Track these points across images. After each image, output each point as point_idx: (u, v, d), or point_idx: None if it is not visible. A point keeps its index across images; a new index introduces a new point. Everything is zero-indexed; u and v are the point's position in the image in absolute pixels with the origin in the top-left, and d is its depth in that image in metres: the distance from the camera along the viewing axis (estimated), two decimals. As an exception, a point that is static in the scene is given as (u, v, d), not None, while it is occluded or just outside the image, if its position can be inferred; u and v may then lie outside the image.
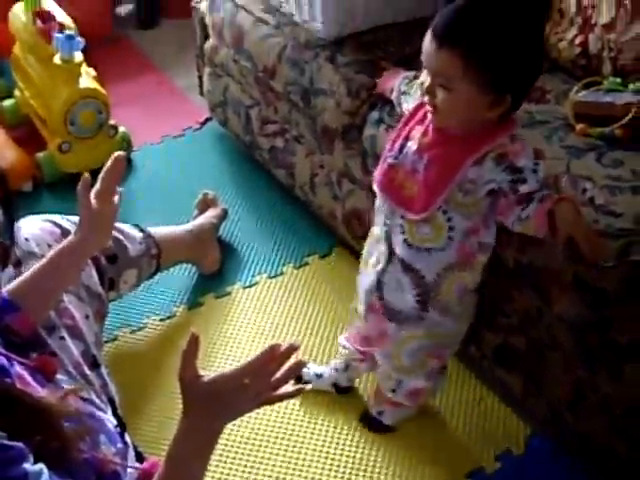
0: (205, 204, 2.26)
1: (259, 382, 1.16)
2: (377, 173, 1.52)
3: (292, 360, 1.17)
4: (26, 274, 1.46)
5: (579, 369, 1.55)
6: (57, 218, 1.72)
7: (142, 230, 1.94)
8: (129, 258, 1.85)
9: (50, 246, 1.61)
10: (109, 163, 1.50)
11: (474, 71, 1.30)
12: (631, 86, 1.66)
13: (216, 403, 1.16)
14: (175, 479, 1.16)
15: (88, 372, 1.52)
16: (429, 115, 1.41)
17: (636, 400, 1.46)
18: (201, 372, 1.15)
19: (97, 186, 1.49)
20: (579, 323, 1.47)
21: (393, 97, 1.66)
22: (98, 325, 1.67)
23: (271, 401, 1.20)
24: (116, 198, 1.51)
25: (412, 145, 1.45)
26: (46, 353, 1.45)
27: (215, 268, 2.17)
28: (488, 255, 1.50)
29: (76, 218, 1.58)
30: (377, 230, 1.56)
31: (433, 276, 1.49)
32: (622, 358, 1.45)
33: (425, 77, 1.37)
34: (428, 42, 1.34)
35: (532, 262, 1.48)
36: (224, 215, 2.26)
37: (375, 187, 1.52)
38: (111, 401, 1.54)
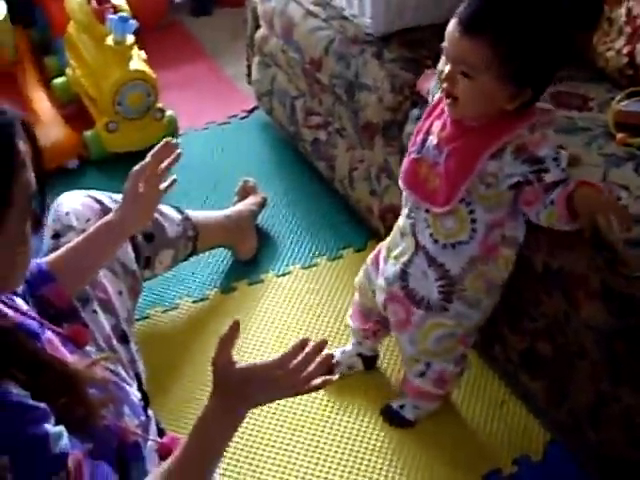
0: (245, 191, 2.29)
1: (290, 375, 1.19)
2: (402, 169, 1.54)
3: (323, 354, 1.21)
4: (64, 248, 1.51)
5: (603, 378, 1.54)
6: (98, 194, 1.76)
7: (181, 212, 1.97)
8: (166, 238, 1.88)
9: (89, 221, 1.66)
10: (158, 147, 1.54)
11: (499, 61, 1.31)
12: (675, 98, 1.66)
13: (246, 390, 1.19)
14: (196, 453, 1.19)
15: (117, 346, 1.56)
16: (446, 108, 1.42)
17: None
18: (235, 359, 1.19)
19: (141, 168, 1.54)
20: (605, 331, 1.47)
21: (429, 98, 1.68)
22: (131, 302, 1.71)
23: (300, 393, 1.24)
24: (164, 185, 1.55)
25: (433, 139, 1.47)
26: (79, 324, 1.49)
27: (250, 255, 2.20)
28: (514, 250, 1.51)
29: (118, 196, 1.63)
30: (402, 222, 1.58)
31: (458, 270, 1.51)
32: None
33: (444, 65, 1.38)
34: (453, 29, 1.36)
35: (561, 267, 1.48)
36: (263, 203, 2.29)
37: (400, 183, 1.54)
38: (137, 377, 1.57)
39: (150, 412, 1.50)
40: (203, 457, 1.20)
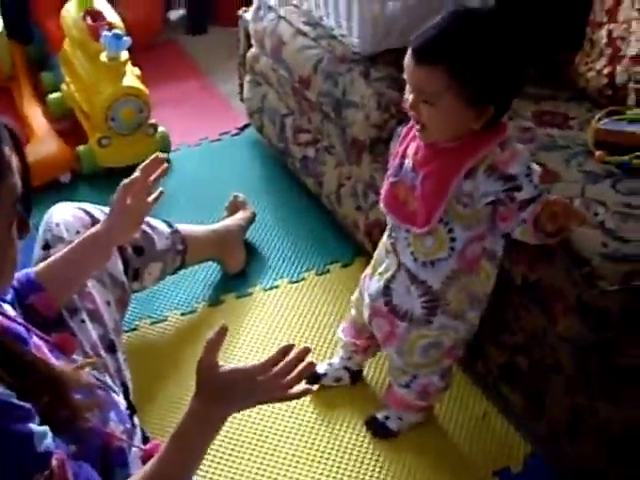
0: (235, 206, 2.33)
1: (272, 380, 1.23)
2: (382, 191, 1.58)
3: (305, 362, 1.25)
4: (52, 258, 1.55)
5: (579, 392, 1.57)
6: (90, 207, 1.80)
7: (171, 226, 2.00)
8: (155, 251, 1.91)
9: (79, 233, 1.69)
10: (147, 161, 1.59)
11: (455, 87, 1.35)
12: (653, 118, 1.70)
13: (227, 393, 1.23)
14: (176, 455, 1.22)
15: (104, 355, 1.58)
16: (417, 133, 1.46)
17: (632, 426, 1.48)
18: (220, 363, 1.22)
19: (131, 181, 1.58)
20: (581, 344, 1.50)
21: None
22: (119, 313, 1.74)
23: (281, 399, 1.28)
24: (152, 197, 1.60)
25: (409, 162, 1.50)
26: (66, 333, 1.52)
27: (239, 269, 2.23)
28: (495, 263, 1.54)
29: (107, 208, 1.66)
30: (385, 240, 1.62)
31: (439, 285, 1.54)
32: (621, 382, 1.47)
33: (409, 94, 1.42)
34: (408, 59, 1.39)
35: (540, 279, 1.51)
36: (252, 218, 2.32)
37: (381, 205, 1.58)
38: (124, 386, 1.59)
39: (136, 420, 1.53)
40: (183, 460, 1.23)
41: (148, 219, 1.84)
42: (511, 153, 1.42)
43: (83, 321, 1.59)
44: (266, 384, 1.23)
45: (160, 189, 1.62)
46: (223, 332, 1.21)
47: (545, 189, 1.46)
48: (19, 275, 1.46)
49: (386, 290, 1.62)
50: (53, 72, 2.87)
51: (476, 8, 1.45)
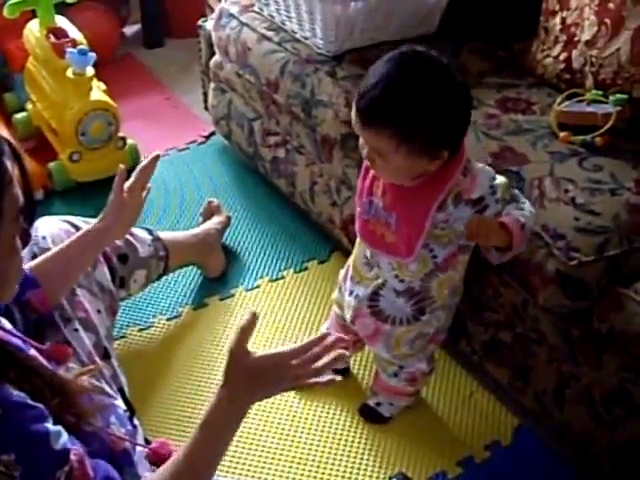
0: (210, 212, 2.37)
1: (302, 367, 1.23)
2: (357, 224, 1.61)
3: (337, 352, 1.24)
4: (48, 254, 1.59)
5: (562, 361, 1.65)
6: (74, 219, 1.83)
7: (151, 233, 2.04)
8: (139, 259, 1.95)
9: None
10: (146, 161, 1.71)
11: (404, 144, 1.36)
12: (611, 98, 1.78)
13: (257, 379, 1.22)
14: (205, 447, 1.22)
15: (100, 362, 1.61)
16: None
17: (614, 388, 1.56)
18: (251, 350, 1.22)
19: (131, 180, 1.68)
20: (561, 314, 1.57)
21: None
22: (109, 320, 1.77)
23: (305, 385, 1.26)
24: (144, 193, 1.70)
25: (378, 202, 1.53)
26: (60, 342, 1.55)
27: (219, 272, 2.27)
28: (469, 253, 1.61)
29: (91, 220, 1.71)
30: (369, 257, 1.65)
31: (419, 283, 1.59)
32: (602, 347, 1.55)
33: (363, 143, 1.44)
34: (355, 119, 1.41)
35: (517, 256, 1.58)
36: (228, 222, 2.37)
37: (358, 236, 1.62)
38: (121, 391, 1.63)
39: (136, 421, 1.56)
40: (211, 451, 1.23)
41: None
42: (472, 177, 1.45)
43: (77, 330, 1.62)
44: (297, 370, 1.22)
45: (149, 185, 1.72)
46: (254, 319, 1.22)
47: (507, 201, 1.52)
48: None
49: (374, 296, 1.66)
50: (16, 92, 2.88)
51: (419, 50, 1.41)
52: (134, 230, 1.96)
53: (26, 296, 1.48)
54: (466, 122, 1.43)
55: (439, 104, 1.37)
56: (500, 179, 1.51)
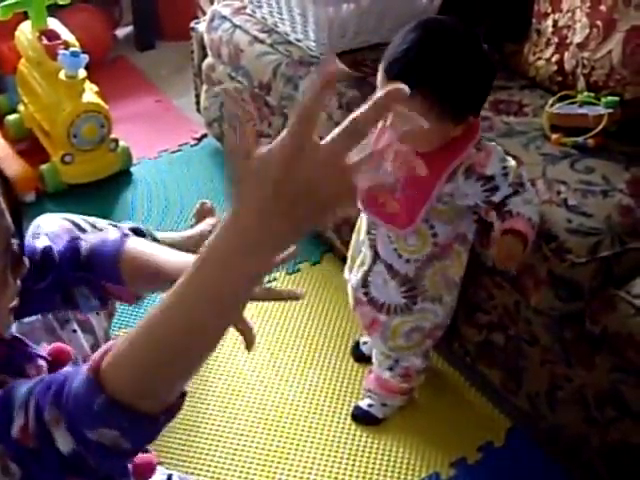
0: (203, 213, 2.36)
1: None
2: (360, 192, 1.61)
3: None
4: (144, 257, 1.32)
5: (555, 362, 1.65)
6: (75, 217, 1.81)
7: (149, 233, 2.03)
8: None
9: None
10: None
11: (434, 108, 1.38)
12: (603, 100, 1.78)
13: (286, 186, 0.70)
14: (191, 286, 0.76)
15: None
16: None
17: (607, 390, 1.57)
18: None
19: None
20: (554, 316, 1.58)
21: None
22: (107, 322, 1.76)
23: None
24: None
25: (386, 167, 1.54)
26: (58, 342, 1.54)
27: (213, 273, 2.25)
28: (466, 247, 1.61)
29: (92, 219, 1.70)
30: (363, 237, 1.66)
31: (414, 271, 1.60)
32: (594, 349, 1.55)
33: None
34: (383, 81, 1.42)
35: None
36: (220, 224, 2.35)
37: (359, 205, 1.60)
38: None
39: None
40: (200, 293, 0.76)
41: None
42: (486, 153, 1.48)
43: (75, 331, 1.61)
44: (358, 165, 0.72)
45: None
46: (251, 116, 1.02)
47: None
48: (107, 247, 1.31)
49: (364, 282, 1.68)
50: (7, 94, 2.87)
51: (442, 17, 1.47)
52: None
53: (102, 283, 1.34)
54: (490, 87, 1.50)
55: (470, 67, 1.42)
56: (511, 161, 1.52)
